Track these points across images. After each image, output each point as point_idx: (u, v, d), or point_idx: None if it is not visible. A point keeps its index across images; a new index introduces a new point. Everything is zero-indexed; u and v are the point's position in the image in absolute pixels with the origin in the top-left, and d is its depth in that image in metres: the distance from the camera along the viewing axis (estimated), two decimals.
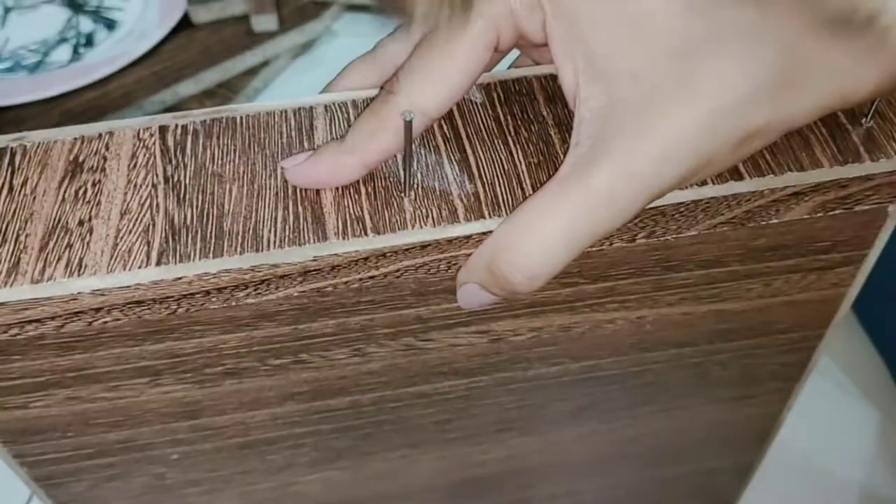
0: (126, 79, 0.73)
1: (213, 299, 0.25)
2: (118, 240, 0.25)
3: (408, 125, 0.24)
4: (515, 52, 0.33)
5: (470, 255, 0.26)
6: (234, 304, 0.26)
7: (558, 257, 0.24)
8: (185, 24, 0.78)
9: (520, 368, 0.34)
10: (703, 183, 0.27)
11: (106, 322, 0.25)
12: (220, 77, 0.75)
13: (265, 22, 0.78)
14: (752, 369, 0.40)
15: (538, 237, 0.24)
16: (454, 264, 0.27)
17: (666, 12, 0.24)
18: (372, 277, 0.26)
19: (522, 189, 0.27)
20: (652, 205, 0.26)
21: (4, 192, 0.26)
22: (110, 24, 0.79)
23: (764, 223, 0.29)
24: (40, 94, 0.69)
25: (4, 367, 0.26)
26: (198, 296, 0.25)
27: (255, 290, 0.25)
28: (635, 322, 0.33)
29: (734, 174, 0.27)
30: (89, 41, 0.78)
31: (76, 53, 0.76)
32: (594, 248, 0.28)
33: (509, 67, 0.33)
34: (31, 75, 0.73)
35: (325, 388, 0.32)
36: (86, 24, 0.79)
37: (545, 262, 0.24)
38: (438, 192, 0.26)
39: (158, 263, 0.24)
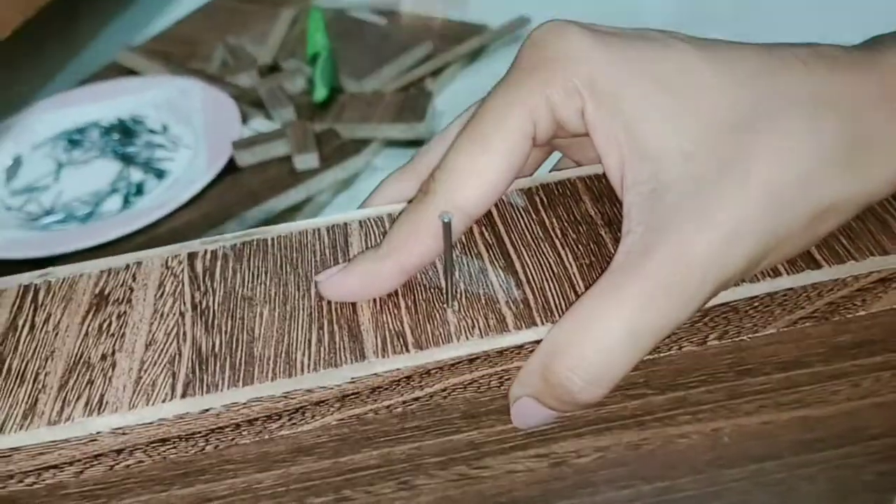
0: (174, 222, 0.74)
1: (244, 433, 0.22)
2: (142, 373, 0.22)
3: (446, 227, 0.22)
4: (556, 156, 0.31)
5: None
6: (267, 437, 0.23)
7: (621, 357, 0.21)
8: (231, 167, 0.80)
9: (586, 494, 0.30)
10: (778, 273, 0.24)
11: (129, 465, 0.22)
12: (265, 215, 0.75)
13: (307, 161, 0.79)
14: (844, 482, 0.35)
15: (596, 335, 0.21)
16: (506, 379, 0.24)
17: (713, 84, 0.22)
18: (416, 399, 0.23)
19: (576, 292, 0.24)
20: (722, 300, 0.23)
21: (26, 330, 0.24)
22: (160, 174, 0.81)
23: (849, 316, 0.25)
24: (92, 241, 0.70)
25: None
26: (227, 430, 0.22)
27: (290, 419, 0.23)
28: (710, 435, 0.30)
29: (810, 263, 0.24)
30: (139, 190, 0.79)
31: (127, 202, 0.77)
32: (661, 354, 0.25)
33: (551, 171, 0.31)
34: (83, 224, 0.74)
35: None
36: (136, 174, 0.81)
37: (606, 362, 0.21)
38: (484, 301, 0.24)
39: (184, 396, 0.22)
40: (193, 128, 0.85)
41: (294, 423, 0.23)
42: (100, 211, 0.76)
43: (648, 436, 0.29)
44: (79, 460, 0.22)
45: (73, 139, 0.87)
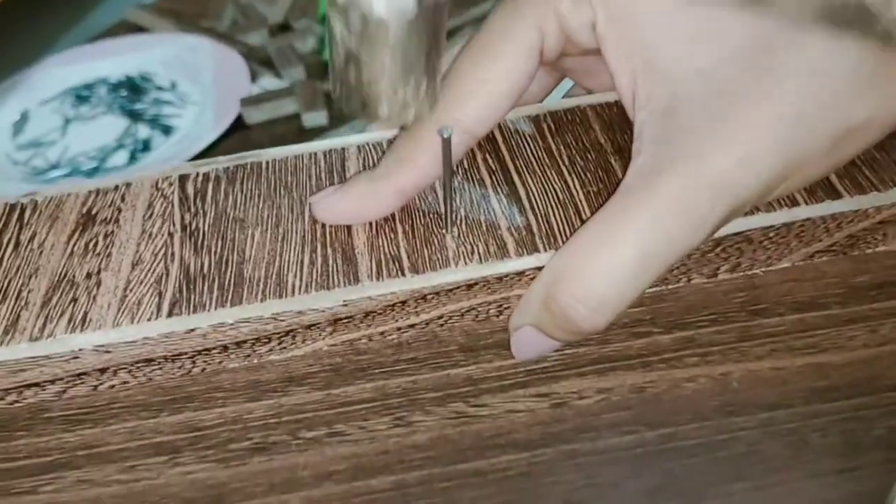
0: None
1: (233, 356, 0.21)
2: (127, 291, 0.21)
3: (446, 142, 0.20)
4: (567, 84, 0.30)
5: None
6: (256, 361, 0.22)
7: (627, 282, 0.20)
8: (239, 125, 0.79)
9: (587, 439, 0.29)
10: (795, 203, 0.22)
11: (113, 385, 0.21)
12: None
13: (315, 118, 0.78)
14: (857, 435, 0.34)
15: (602, 260, 0.20)
16: (506, 308, 0.22)
17: (733, 4, 0.20)
18: (412, 326, 0.22)
19: (581, 219, 0.23)
20: (736, 229, 0.22)
21: (10, 248, 0.23)
22: (167, 130, 0.80)
23: (869, 251, 0.24)
24: None
25: (8, 444, 0.23)
26: (214, 352, 0.21)
27: (280, 343, 0.21)
28: (719, 380, 0.28)
29: (831, 193, 0.23)
30: (146, 146, 0.78)
31: (133, 158, 0.76)
32: (669, 286, 0.24)
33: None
34: (88, 179, 0.74)
35: (366, 465, 0.27)
36: (143, 130, 0.80)
37: (612, 287, 0.20)
38: (485, 227, 0.23)
39: (170, 315, 0.21)
40: (202, 85, 0.84)
41: (284, 348, 0.22)
42: (105, 166, 0.76)
43: (654, 378, 0.27)
44: (61, 378, 0.21)
45: (81, 95, 0.86)
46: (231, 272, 0.22)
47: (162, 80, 0.86)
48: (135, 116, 0.81)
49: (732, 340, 0.27)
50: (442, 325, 0.22)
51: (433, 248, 0.22)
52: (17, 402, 0.21)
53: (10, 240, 0.23)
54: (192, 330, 0.20)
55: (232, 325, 0.21)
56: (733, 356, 0.27)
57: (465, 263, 0.22)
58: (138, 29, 0.95)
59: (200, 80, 0.84)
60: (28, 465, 0.23)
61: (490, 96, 0.22)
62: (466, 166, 0.25)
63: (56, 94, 0.85)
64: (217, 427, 0.24)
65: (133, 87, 0.85)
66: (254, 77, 0.83)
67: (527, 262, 0.22)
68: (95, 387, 0.21)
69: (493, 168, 0.24)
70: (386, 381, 0.24)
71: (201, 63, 0.86)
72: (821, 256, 0.23)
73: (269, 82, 0.83)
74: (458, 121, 0.22)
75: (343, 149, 0.26)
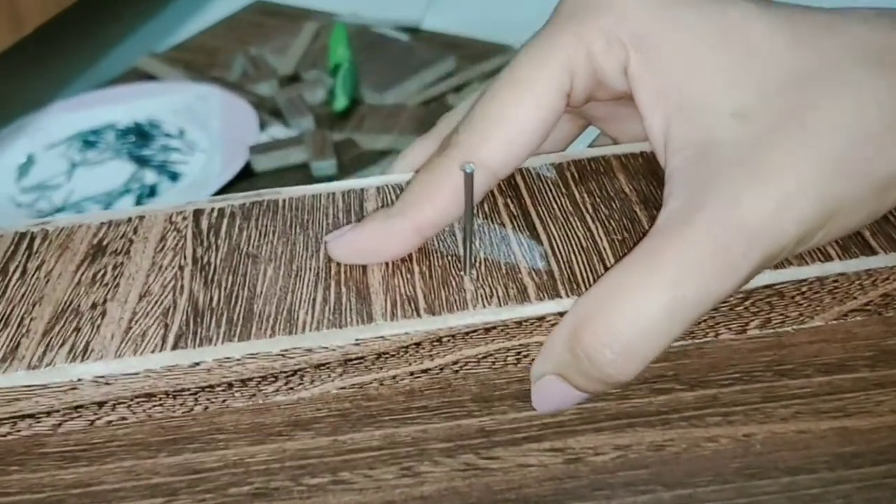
0: None
1: (237, 394, 0.21)
2: (132, 323, 0.21)
3: (468, 178, 0.20)
4: (591, 134, 0.30)
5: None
6: (261, 401, 0.21)
7: (657, 327, 0.19)
8: (247, 173, 0.79)
9: (601, 497, 0.28)
10: (829, 258, 0.22)
11: (111, 420, 0.21)
12: None
13: (325, 167, 0.78)
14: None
15: (631, 303, 0.19)
16: (524, 356, 0.22)
17: (772, 42, 0.20)
18: (425, 371, 0.22)
19: (605, 266, 0.22)
20: (767, 282, 0.22)
21: (16, 275, 0.23)
22: (174, 176, 0.81)
23: None
24: None
25: (2, 478, 0.22)
26: (218, 389, 0.21)
27: (287, 383, 0.21)
28: (741, 441, 0.28)
29: (865, 249, 0.22)
30: (153, 192, 0.79)
31: (139, 203, 0.77)
32: (697, 341, 0.23)
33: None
34: None
35: None
36: (150, 176, 0.81)
37: (641, 331, 0.19)
38: (504, 270, 0.22)
39: (175, 347, 0.20)
40: (210, 133, 0.85)
41: (291, 389, 0.21)
42: None
43: (673, 437, 0.27)
44: (57, 411, 0.20)
45: (88, 140, 0.87)
46: (241, 307, 0.21)
47: (170, 127, 0.87)
48: (142, 162, 0.82)
49: (757, 401, 0.26)
50: (457, 371, 0.22)
51: (451, 289, 0.22)
52: (9, 434, 0.20)
53: (17, 267, 0.23)
54: (197, 364, 0.20)
55: (238, 360, 0.20)
56: (757, 417, 0.27)
57: (484, 306, 0.21)
58: (148, 77, 0.96)
59: (209, 128, 0.85)
60: (19, 501, 0.23)
61: (515, 135, 0.22)
62: (487, 210, 0.25)
63: (63, 139, 0.86)
64: (217, 470, 0.23)
65: (141, 134, 0.86)
66: (262, 126, 0.85)
67: (548, 307, 0.21)
68: (92, 422, 0.21)
69: (515, 213, 0.24)
70: (395, 429, 0.24)
71: (210, 111, 0.87)
72: (854, 316, 0.23)
73: (277, 131, 0.84)
74: (481, 159, 0.21)
75: (362, 189, 0.26)
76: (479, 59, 0.95)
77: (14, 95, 0.95)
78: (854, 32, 0.21)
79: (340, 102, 0.86)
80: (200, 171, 0.80)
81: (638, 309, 0.19)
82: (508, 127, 0.21)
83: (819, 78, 0.20)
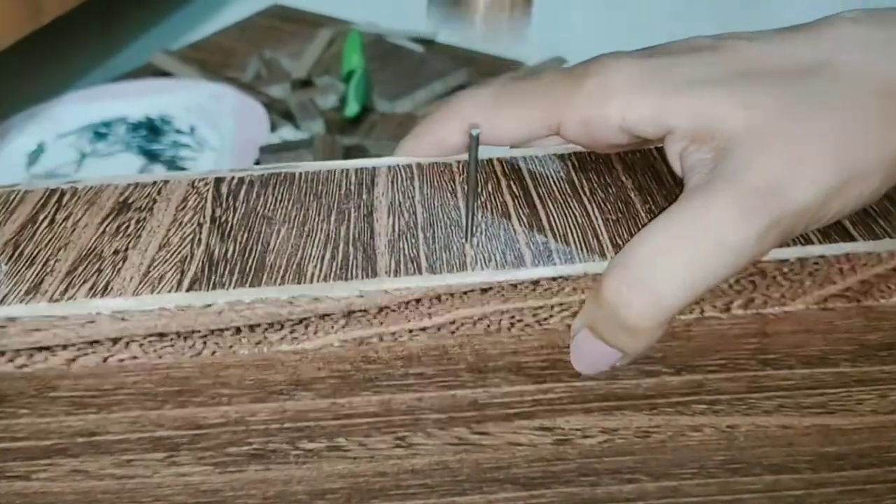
0: None
1: (244, 340, 0.22)
2: (151, 268, 0.23)
3: (474, 141, 0.22)
4: None
5: (538, 308, 0.23)
6: (266, 350, 0.23)
7: (674, 270, 0.21)
8: None
9: (587, 483, 0.30)
10: (809, 241, 0.24)
11: (122, 359, 0.22)
12: None
13: None
14: None
15: (648, 248, 0.21)
16: (518, 320, 0.24)
17: (774, 60, 0.24)
18: (423, 330, 0.23)
19: (599, 241, 0.24)
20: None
21: (45, 224, 0.25)
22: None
23: (883, 301, 0.25)
24: None
25: (10, 422, 0.23)
26: (227, 333, 0.22)
27: (292, 332, 0.23)
28: (725, 432, 0.29)
29: (845, 236, 0.24)
30: None
31: None
32: (684, 317, 0.25)
33: None
34: None
35: (362, 487, 0.28)
36: (159, 171, 0.83)
37: (657, 271, 0.21)
38: (504, 240, 0.24)
39: (189, 290, 0.22)
40: (221, 132, 0.87)
41: (295, 338, 0.23)
42: None
43: (660, 423, 0.28)
44: (73, 345, 0.22)
45: (99, 132, 0.89)
46: (253, 259, 0.23)
47: (182, 123, 0.89)
48: (151, 157, 0.84)
49: (741, 390, 0.28)
50: (453, 332, 0.23)
51: (452, 253, 0.23)
52: (25, 366, 0.22)
53: (45, 217, 0.25)
54: (209, 305, 0.22)
55: (248, 304, 0.22)
56: (741, 408, 0.28)
57: (482, 269, 0.23)
58: (162, 74, 0.99)
59: (220, 126, 0.87)
60: (26, 447, 0.24)
61: (523, 129, 0.25)
62: (491, 190, 0.26)
63: (74, 129, 0.88)
64: (218, 426, 0.25)
65: (152, 128, 0.88)
66: (273, 128, 0.87)
67: (542, 271, 0.23)
68: (105, 359, 0.22)
69: (517, 193, 0.26)
70: (392, 395, 0.25)
71: (223, 110, 0.89)
72: (835, 301, 0.25)
73: (288, 133, 0.86)
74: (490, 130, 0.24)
75: (373, 167, 0.27)
76: (492, 74, 0.97)
77: (29, 83, 0.97)
78: (842, 30, 0.23)
79: (352, 109, 0.88)
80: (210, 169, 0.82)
81: (653, 252, 0.21)
82: (517, 122, 0.25)
83: (820, 65, 0.23)
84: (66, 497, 0.26)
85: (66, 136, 0.88)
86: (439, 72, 0.95)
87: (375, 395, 0.25)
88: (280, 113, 0.89)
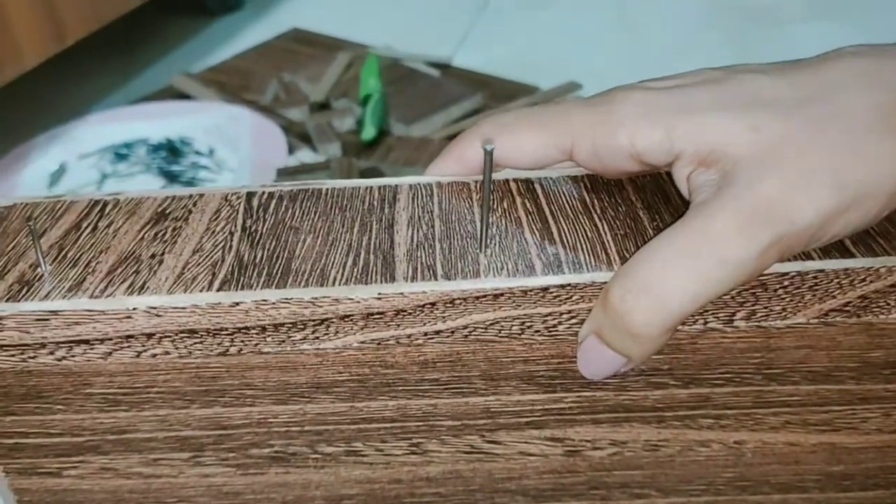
0: None
1: (269, 339, 0.24)
2: (185, 270, 0.25)
3: (489, 156, 0.24)
4: None
5: (548, 314, 0.25)
6: (289, 349, 0.25)
7: (677, 279, 0.23)
8: None
9: (598, 497, 0.31)
10: (810, 258, 0.25)
11: (155, 355, 0.24)
12: None
13: None
14: None
15: (652, 258, 0.23)
16: (528, 326, 0.25)
17: (775, 88, 0.25)
18: (438, 333, 0.25)
19: (608, 254, 0.26)
20: None
21: (88, 231, 0.27)
22: None
23: (882, 317, 0.26)
24: None
25: (46, 418, 0.25)
26: (253, 332, 0.24)
27: (314, 332, 0.24)
28: (733, 448, 0.30)
29: (845, 253, 0.26)
30: None
31: None
32: (686, 337, 0.26)
33: None
34: None
35: (378, 494, 0.29)
36: None
37: (660, 279, 0.23)
38: (516, 251, 0.26)
39: (219, 290, 0.24)
40: (239, 153, 0.89)
41: (317, 338, 0.24)
42: None
43: (668, 437, 0.29)
44: (110, 339, 0.24)
45: (120, 153, 0.92)
46: (280, 264, 0.25)
47: (201, 145, 0.92)
48: (171, 177, 0.87)
49: (748, 405, 0.29)
50: (466, 335, 0.25)
51: (466, 262, 0.25)
52: (65, 358, 0.24)
53: (89, 224, 0.27)
54: (237, 304, 0.23)
55: (273, 304, 0.24)
56: (747, 423, 0.29)
57: (495, 276, 0.25)
58: (183, 96, 1.02)
59: (239, 148, 0.90)
60: (59, 443, 0.26)
61: (536, 152, 0.27)
62: (506, 206, 0.28)
63: (96, 150, 0.91)
64: (242, 427, 0.26)
65: (172, 150, 0.91)
66: (291, 150, 0.89)
67: (551, 279, 0.24)
68: (139, 353, 0.24)
69: (530, 209, 0.28)
70: (408, 400, 0.27)
71: (241, 132, 0.92)
72: (835, 316, 0.26)
73: (305, 156, 0.89)
74: (505, 154, 0.26)
75: (396, 185, 0.29)
76: (507, 98, 0.99)
77: (51, 105, 1.00)
78: (845, 62, 0.25)
79: (368, 132, 0.90)
80: None
81: (657, 263, 0.23)
82: (531, 144, 0.27)
83: (823, 94, 0.24)
84: (94, 495, 0.27)
85: (88, 156, 0.91)
86: (455, 96, 0.98)
87: (392, 400, 0.27)
88: (298, 135, 0.92)
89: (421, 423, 0.27)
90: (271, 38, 1.18)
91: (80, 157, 0.91)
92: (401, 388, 0.26)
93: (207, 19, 1.26)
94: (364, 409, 0.27)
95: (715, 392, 0.28)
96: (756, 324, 0.26)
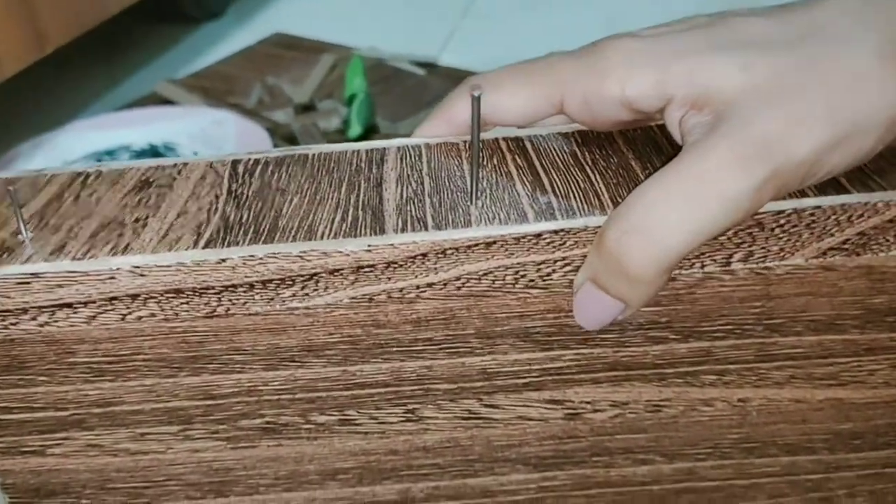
0: None
1: (257, 297, 0.24)
2: (169, 231, 0.24)
3: (476, 102, 0.24)
4: None
5: (542, 262, 0.25)
6: (278, 307, 0.24)
7: (672, 217, 0.22)
8: None
9: (601, 465, 0.30)
10: (805, 195, 0.25)
11: (141, 316, 0.24)
12: None
13: None
14: (887, 500, 0.34)
15: (646, 197, 0.23)
16: (522, 275, 0.25)
17: (765, 28, 0.25)
18: (430, 286, 0.24)
19: (600, 200, 0.25)
20: None
21: (70, 199, 0.26)
22: None
23: (882, 254, 0.26)
24: None
25: (29, 391, 0.25)
26: (240, 289, 0.24)
27: (303, 287, 0.24)
28: (737, 407, 0.30)
29: (839, 189, 0.25)
30: None
31: None
32: (683, 286, 0.26)
33: None
34: None
35: (374, 467, 0.28)
36: None
37: (656, 218, 0.22)
38: (508, 202, 0.25)
39: (205, 248, 0.24)
40: None
41: (307, 294, 0.24)
42: None
43: (670, 396, 0.29)
44: (93, 301, 0.23)
45: (102, 160, 0.91)
46: (267, 223, 0.25)
47: (185, 150, 0.91)
48: None
49: (750, 359, 0.28)
50: (459, 288, 0.24)
51: (457, 213, 0.25)
52: (47, 324, 0.23)
53: (71, 194, 0.27)
54: (223, 260, 0.23)
55: (261, 259, 0.23)
56: (751, 379, 0.29)
57: (486, 225, 0.24)
58: (167, 102, 1.01)
59: (223, 151, 0.89)
60: (43, 418, 0.25)
61: (525, 108, 0.27)
62: (496, 163, 0.28)
63: (80, 157, 0.91)
64: (231, 397, 0.26)
65: (156, 155, 0.91)
66: None
67: (544, 226, 0.24)
68: (124, 316, 0.23)
69: (521, 165, 0.27)
70: (402, 362, 0.26)
71: (226, 136, 0.91)
72: (833, 255, 0.26)
73: None
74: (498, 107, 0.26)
75: (384, 148, 0.29)
76: None
77: (34, 112, 1.00)
78: (835, 1, 0.25)
79: (354, 130, 0.90)
80: None
81: (651, 201, 0.23)
82: (520, 99, 0.27)
83: (814, 33, 0.24)
84: (80, 475, 0.27)
85: (72, 164, 0.90)
86: (442, 94, 0.98)
87: (385, 363, 0.26)
88: (283, 137, 0.92)
89: (416, 387, 0.27)
90: (254, 43, 1.18)
91: (64, 164, 0.91)
92: (394, 349, 0.26)
93: (190, 27, 1.26)
94: (357, 373, 0.26)
95: (716, 346, 0.28)
96: (754, 266, 0.26)
